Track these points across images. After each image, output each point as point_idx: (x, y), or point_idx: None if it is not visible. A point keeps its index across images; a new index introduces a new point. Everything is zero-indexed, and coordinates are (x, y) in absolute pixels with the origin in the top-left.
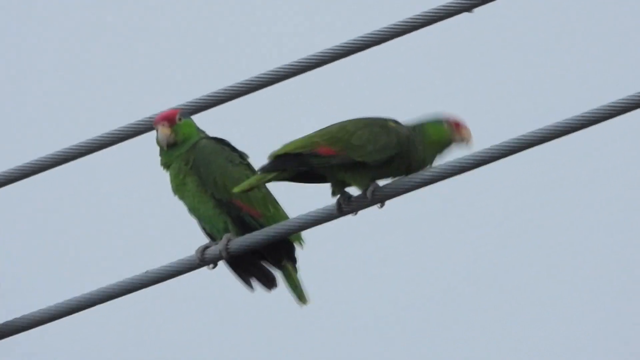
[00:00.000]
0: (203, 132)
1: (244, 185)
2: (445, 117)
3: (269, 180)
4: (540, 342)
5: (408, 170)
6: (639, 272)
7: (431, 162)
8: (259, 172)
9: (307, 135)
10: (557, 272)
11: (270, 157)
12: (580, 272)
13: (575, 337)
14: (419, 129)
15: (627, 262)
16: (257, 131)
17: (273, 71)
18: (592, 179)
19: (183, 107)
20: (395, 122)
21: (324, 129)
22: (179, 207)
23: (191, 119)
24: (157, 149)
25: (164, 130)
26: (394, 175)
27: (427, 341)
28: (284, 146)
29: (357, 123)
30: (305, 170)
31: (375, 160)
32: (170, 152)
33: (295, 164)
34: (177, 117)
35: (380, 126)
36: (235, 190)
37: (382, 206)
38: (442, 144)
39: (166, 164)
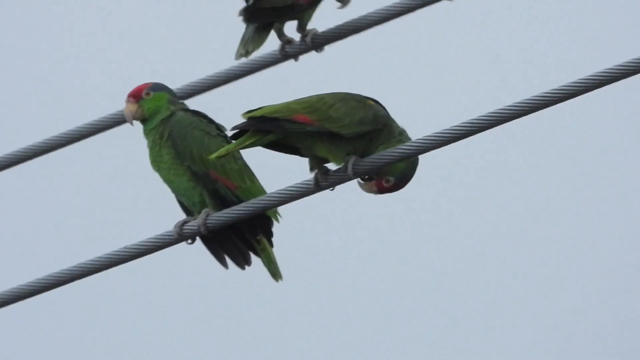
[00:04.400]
0: (181, 103)
1: (222, 151)
2: None
3: (247, 147)
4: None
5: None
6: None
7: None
8: (232, 130)
9: (285, 102)
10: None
11: (244, 117)
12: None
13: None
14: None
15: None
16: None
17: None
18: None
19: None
20: (375, 101)
21: (303, 98)
22: (157, 182)
23: (166, 90)
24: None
25: (129, 107)
26: (366, 153)
27: (402, 318)
28: (260, 109)
29: (335, 96)
30: (280, 139)
31: (350, 134)
32: (145, 126)
33: (270, 127)
34: (144, 92)
35: (357, 101)
36: (213, 156)
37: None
38: None
39: (146, 136)
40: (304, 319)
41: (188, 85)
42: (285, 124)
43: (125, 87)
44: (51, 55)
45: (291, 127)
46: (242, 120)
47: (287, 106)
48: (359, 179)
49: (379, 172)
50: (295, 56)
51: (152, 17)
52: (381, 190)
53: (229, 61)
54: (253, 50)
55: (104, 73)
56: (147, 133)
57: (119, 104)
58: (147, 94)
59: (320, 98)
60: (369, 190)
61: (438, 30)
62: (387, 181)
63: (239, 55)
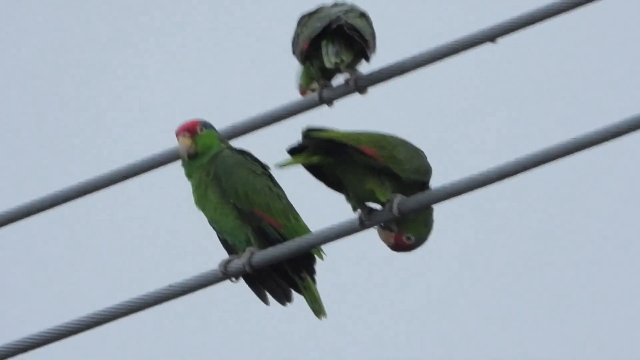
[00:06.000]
0: (226, 142)
1: (288, 161)
2: None
3: (311, 163)
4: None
5: None
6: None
7: None
8: (299, 143)
9: (349, 132)
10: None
11: (306, 135)
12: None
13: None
14: None
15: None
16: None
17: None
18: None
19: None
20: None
21: (363, 132)
22: (202, 220)
23: (214, 129)
24: (180, 159)
25: (185, 141)
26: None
27: (445, 355)
28: (326, 132)
29: (395, 138)
30: (330, 165)
31: (409, 179)
32: (191, 163)
33: (337, 151)
34: (198, 127)
35: (414, 150)
36: (277, 165)
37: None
38: None
39: (188, 175)
40: (348, 356)
41: (228, 127)
42: (353, 153)
43: (165, 128)
44: (92, 97)
45: (358, 157)
46: (301, 136)
47: (355, 136)
48: (380, 224)
49: (400, 225)
50: (330, 101)
51: (186, 64)
52: (398, 244)
53: (262, 105)
54: (347, 61)
55: (139, 117)
56: (192, 171)
57: (160, 144)
58: (201, 129)
59: (383, 136)
60: (385, 239)
61: (482, 72)
62: (408, 239)
63: (333, 64)
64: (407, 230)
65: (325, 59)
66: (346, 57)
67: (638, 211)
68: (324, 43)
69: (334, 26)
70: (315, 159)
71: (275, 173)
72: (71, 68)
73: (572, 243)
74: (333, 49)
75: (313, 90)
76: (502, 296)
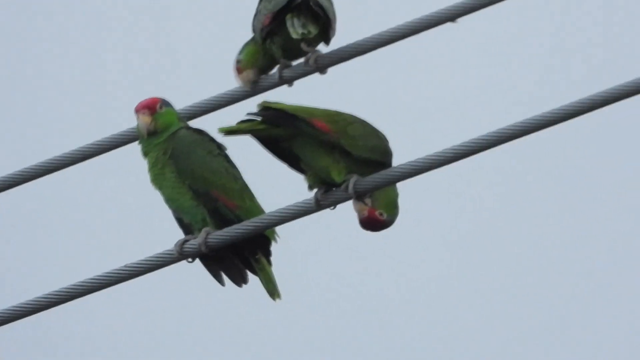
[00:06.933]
0: (184, 121)
1: (232, 127)
2: None
3: (258, 132)
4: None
5: None
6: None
7: None
8: (246, 116)
9: (304, 106)
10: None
11: (262, 106)
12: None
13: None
14: None
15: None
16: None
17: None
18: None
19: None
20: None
21: (320, 108)
22: (158, 199)
23: (173, 108)
24: (137, 138)
25: (144, 119)
26: None
27: (401, 336)
28: (279, 104)
29: (353, 116)
30: (285, 139)
31: (359, 156)
32: (149, 141)
33: (287, 123)
34: (158, 105)
35: (372, 129)
36: (221, 130)
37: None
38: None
39: (145, 153)
40: (302, 338)
41: (188, 108)
42: (303, 125)
43: (123, 108)
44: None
45: (307, 130)
46: (256, 109)
47: (308, 109)
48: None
49: (374, 199)
50: (290, 81)
51: (148, 44)
52: (370, 217)
53: (224, 85)
54: (314, 33)
55: (98, 95)
56: (149, 149)
57: (118, 125)
58: (161, 107)
59: (339, 113)
60: (359, 210)
61: (442, 52)
62: (381, 214)
63: (300, 35)
64: (381, 207)
65: (291, 30)
66: (313, 29)
67: (619, 184)
68: (288, 16)
69: (298, 0)
70: (261, 127)
71: (229, 148)
72: (29, 42)
73: (533, 225)
74: (299, 22)
75: (249, 78)
76: (458, 275)
